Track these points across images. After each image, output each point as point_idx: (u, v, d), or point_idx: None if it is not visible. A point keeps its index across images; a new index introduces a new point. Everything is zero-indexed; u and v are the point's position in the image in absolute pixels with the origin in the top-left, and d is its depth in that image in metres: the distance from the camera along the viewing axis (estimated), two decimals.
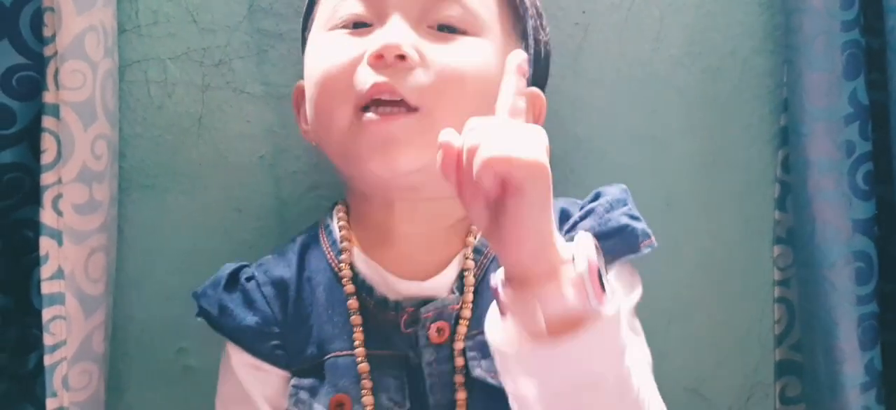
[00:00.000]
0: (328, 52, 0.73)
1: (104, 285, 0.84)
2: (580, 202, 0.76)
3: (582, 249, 0.56)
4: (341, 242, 0.76)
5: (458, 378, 0.71)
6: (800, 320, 0.93)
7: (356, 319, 0.73)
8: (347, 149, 0.71)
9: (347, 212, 0.78)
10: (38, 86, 0.79)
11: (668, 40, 0.92)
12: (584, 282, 0.55)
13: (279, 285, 0.76)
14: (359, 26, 0.73)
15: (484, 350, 0.69)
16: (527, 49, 0.77)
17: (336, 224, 0.77)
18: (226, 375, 0.76)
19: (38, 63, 0.78)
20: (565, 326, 0.56)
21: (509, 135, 0.55)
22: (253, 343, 0.74)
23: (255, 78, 0.89)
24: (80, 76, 0.79)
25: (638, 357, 0.69)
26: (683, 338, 0.94)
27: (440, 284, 0.73)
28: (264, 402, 0.74)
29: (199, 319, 0.77)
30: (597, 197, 0.75)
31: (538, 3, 0.80)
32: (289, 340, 0.74)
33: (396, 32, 0.70)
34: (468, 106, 0.68)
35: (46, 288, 0.80)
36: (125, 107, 0.88)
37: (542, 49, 0.80)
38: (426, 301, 0.72)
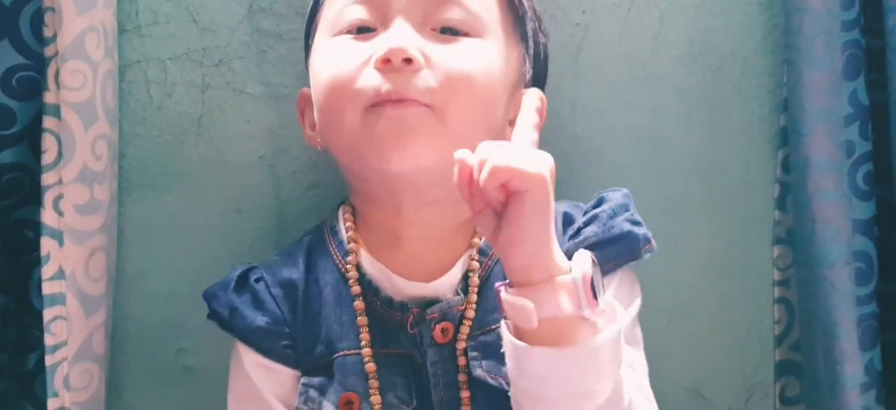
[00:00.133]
0: (335, 57, 0.73)
1: (105, 285, 0.84)
2: (583, 206, 0.77)
3: (578, 262, 0.62)
4: (348, 244, 0.76)
5: (462, 378, 0.72)
6: (800, 320, 0.93)
7: (362, 320, 0.74)
8: (360, 145, 0.71)
9: (354, 214, 0.79)
10: (38, 87, 0.79)
11: (668, 40, 0.92)
12: (578, 288, 0.61)
13: (288, 286, 0.76)
14: (363, 31, 0.74)
15: (485, 351, 0.71)
16: (527, 50, 0.78)
17: (343, 226, 0.78)
18: (237, 374, 0.77)
19: (39, 63, 0.78)
20: (558, 331, 0.61)
21: (516, 152, 0.61)
22: (264, 343, 0.75)
23: (255, 78, 0.89)
24: (81, 76, 0.79)
25: (634, 362, 0.72)
26: (683, 338, 0.94)
27: (445, 285, 0.74)
28: (276, 400, 0.75)
29: (205, 320, 0.77)
30: (600, 202, 0.76)
31: (536, 6, 0.81)
32: (298, 340, 0.75)
33: (402, 36, 0.70)
34: (475, 105, 0.72)
35: (47, 288, 0.80)
36: (125, 108, 0.88)
37: (542, 50, 0.81)
38: (431, 301, 0.73)
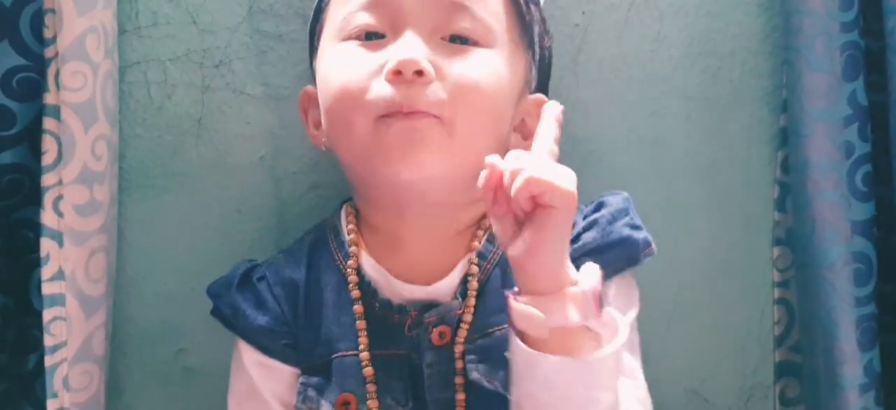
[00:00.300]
0: (343, 64, 0.73)
1: (105, 286, 0.84)
2: (583, 209, 0.77)
3: (587, 275, 0.64)
4: (350, 246, 0.77)
5: (458, 380, 0.72)
6: (799, 321, 0.93)
7: (361, 323, 0.74)
8: (370, 153, 0.71)
9: (356, 215, 0.79)
10: (38, 88, 0.79)
11: (668, 40, 0.92)
12: (587, 301, 0.62)
13: (289, 286, 0.77)
14: (372, 36, 0.73)
15: (482, 354, 0.71)
16: (533, 56, 0.79)
17: (345, 226, 0.78)
18: (237, 372, 0.77)
19: (39, 64, 0.78)
20: (563, 340, 0.62)
21: (551, 167, 0.63)
22: (265, 341, 0.76)
23: (255, 79, 0.89)
24: (81, 77, 0.79)
25: (632, 368, 0.72)
26: (683, 339, 0.94)
27: (444, 288, 0.74)
28: (274, 399, 0.75)
29: (205, 321, 0.77)
30: (599, 206, 0.76)
31: (541, 10, 0.81)
32: (299, 339, 0.76)
33: (412, 47, 0.70)
34: (483, 116, 0.72)
35: (47, 288, 0.80)
36: (125, 108, 0.88)
37: (546, 54, 0.81)
38: (430, 304, 0.73)
